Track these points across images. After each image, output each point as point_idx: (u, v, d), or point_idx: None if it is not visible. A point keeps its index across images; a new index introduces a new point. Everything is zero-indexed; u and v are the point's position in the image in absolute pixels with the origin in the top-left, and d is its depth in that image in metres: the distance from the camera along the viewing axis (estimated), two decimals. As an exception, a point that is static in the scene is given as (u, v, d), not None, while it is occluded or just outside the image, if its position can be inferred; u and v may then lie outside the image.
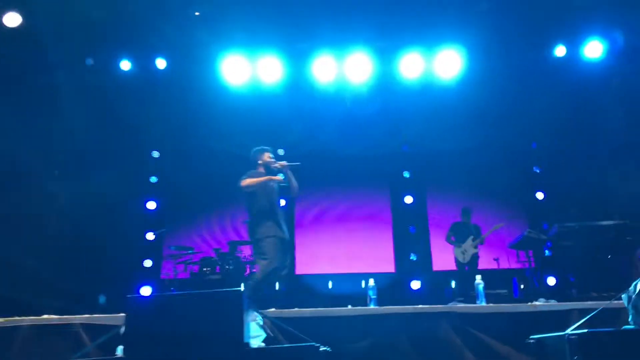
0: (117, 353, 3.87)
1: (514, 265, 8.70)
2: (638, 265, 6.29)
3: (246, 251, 8.74)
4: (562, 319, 4.22)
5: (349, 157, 10.01)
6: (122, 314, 3.88)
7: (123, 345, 3.61)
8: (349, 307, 5.02)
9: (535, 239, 7.82)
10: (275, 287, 7.68)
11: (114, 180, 8.71)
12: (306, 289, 9.30)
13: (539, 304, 5.09)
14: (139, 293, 8.75)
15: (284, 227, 5.77)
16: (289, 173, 5.94)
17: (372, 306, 5.28)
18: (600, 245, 6.67)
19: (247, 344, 3.39)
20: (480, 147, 9.79)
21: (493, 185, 9.76)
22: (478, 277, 5.45)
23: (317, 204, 10.23)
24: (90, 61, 8.78)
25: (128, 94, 9.10)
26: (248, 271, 8.51)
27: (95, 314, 4.67)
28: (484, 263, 8.78)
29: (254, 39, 8.71)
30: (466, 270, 8.48)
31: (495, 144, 9.81)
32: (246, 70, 8.96)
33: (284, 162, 5.92)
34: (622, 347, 3.30)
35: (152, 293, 8.90)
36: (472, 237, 8.61)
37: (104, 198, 8.61)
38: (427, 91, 9.28)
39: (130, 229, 9.59)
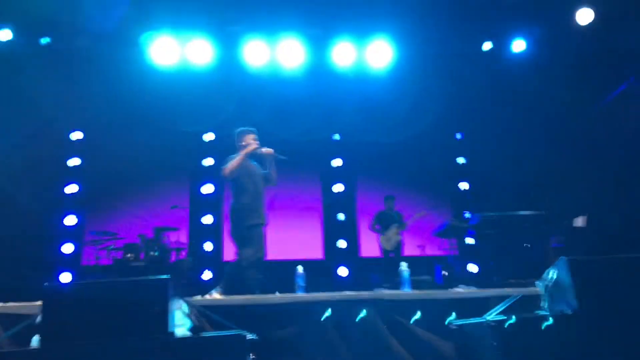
0: (32, 344, 3.68)
1: (438, 253, 8.98)
2: (551, 254, 6.61)
3: (172, 237, 8.56)
4: (482, 305, 4.39)
5: (280, 142, 9.91)
6: (39, 302, 3.70)
7: (39, 335, 3.45)
8: (277, 294, 5.02)
9: (458, 227, 8.13)
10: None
11: (27, 163, 8.28)
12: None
13: (461, 290, 5.27)
14: (57, 280, 8.39)
15: (266, 212, 5.80)
16: (273, 163, 5.91)
17: (299, 293, 5.30)
18: (518, 235, 6.96)
19: (172, 333, 3.33)
20: (409, 137, 9.95)
21: (420, 174, 10.00)
22: (404, 264, 5.59)
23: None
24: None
25: (46, 73, 8.61)
26: (174, 258, 8.34)
27: (9, 302, 4.44)
28: (409, 250, 9.03)
29: (183, 20, 8.45)
30: (391, 257, 8.69)
31: (424, 134, 9.98)
32: (175, 51, 8.68)
33: (270, 150, 5.88)
34: (536, 332, 3.51)
35: (71, 280, 8.56)
36: (395, 224, 8.82)
37: (17, 180, 8.16)
38: (359, 80, 9.34)
39: (47, 213, 9.13)
